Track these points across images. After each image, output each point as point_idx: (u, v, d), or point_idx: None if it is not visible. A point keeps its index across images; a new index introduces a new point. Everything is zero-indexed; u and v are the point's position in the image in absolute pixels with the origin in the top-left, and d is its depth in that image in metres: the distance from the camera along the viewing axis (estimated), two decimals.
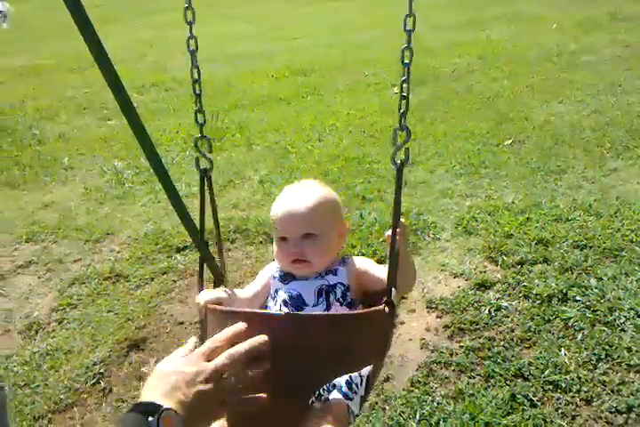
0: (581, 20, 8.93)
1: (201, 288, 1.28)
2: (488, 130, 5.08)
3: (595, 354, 2.42)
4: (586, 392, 2.26)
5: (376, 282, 1.25)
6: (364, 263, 1.33)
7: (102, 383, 2.67)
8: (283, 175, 4.63)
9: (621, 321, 2.58)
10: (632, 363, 2.35)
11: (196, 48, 1.23)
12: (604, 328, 2.55)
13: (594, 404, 2.21)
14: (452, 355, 2.55)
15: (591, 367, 2.37)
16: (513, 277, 2.99)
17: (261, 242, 3.69)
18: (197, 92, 1.26)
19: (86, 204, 4.61)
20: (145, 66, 9.71)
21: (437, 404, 2.30)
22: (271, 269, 1.38)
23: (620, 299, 2.71)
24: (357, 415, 1.24)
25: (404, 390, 2.40)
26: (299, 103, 6.73)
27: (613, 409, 2.17)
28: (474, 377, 2.42)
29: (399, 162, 1.10)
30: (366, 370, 1.24)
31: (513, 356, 2.48)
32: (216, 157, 5.27)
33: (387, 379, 2.47)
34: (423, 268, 3.21)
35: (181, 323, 3.04)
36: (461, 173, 4.30)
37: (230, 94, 7.40)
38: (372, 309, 1.12)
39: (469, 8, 11.35)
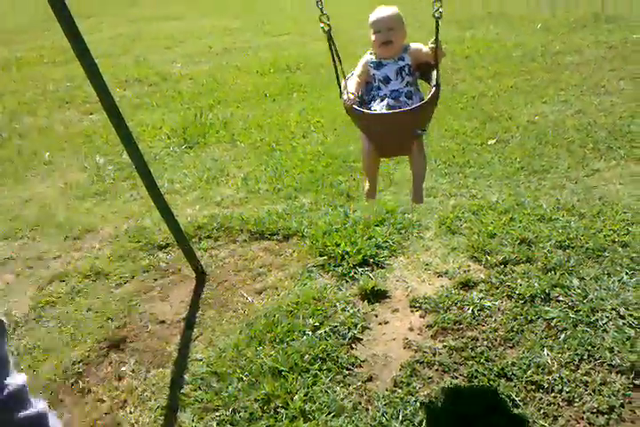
0: (566, 21, 8.99)
1: (342, 95, 2.26)
2: (472, 129, 5.08)
3: (577, 354, 2.43)
4: (568, 393, 2.26)
5: (424, 57, 2.15)
6: (417, 47, 2.18)
7: (81, 383, 2.63)
8: (267, 173, 4.59)
9: (604, 322, 2.59)
10: (614, 363, 2.36)
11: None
12: (586, 329, 2.56)
13: (575, 404, 2.22)
14: (435, 355, 2.54)
15: (573, 368, 2.38)
16: (496, 277, 2.99)
17: (245, 240, 3.65)
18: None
19: (67, 200, 4.54)
20: (127, 61, 9.59)
21: (421, 404, 2.29)
22: (367, 59, 2.22)
23: (602, 299, 2.72)
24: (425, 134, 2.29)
25: (387, 390, 2.38)
26: (284, 100, 6.69)
27: (595, 410, 2.18)
28: (457, 377, 2.42)
29: (437, 17, 1.87)
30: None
31: (496, 356, 2.48)
32: (200, 154, 5.23)
33: (370, 379, 2.46)
34: (407, 267, 3.20)
35: (162, 322, 3.00)
36: (446, 173, 4.30)
37: (215, 90, 7.33)
38: (430, 95, 2.00)
39: (455, 7, 11.37)
